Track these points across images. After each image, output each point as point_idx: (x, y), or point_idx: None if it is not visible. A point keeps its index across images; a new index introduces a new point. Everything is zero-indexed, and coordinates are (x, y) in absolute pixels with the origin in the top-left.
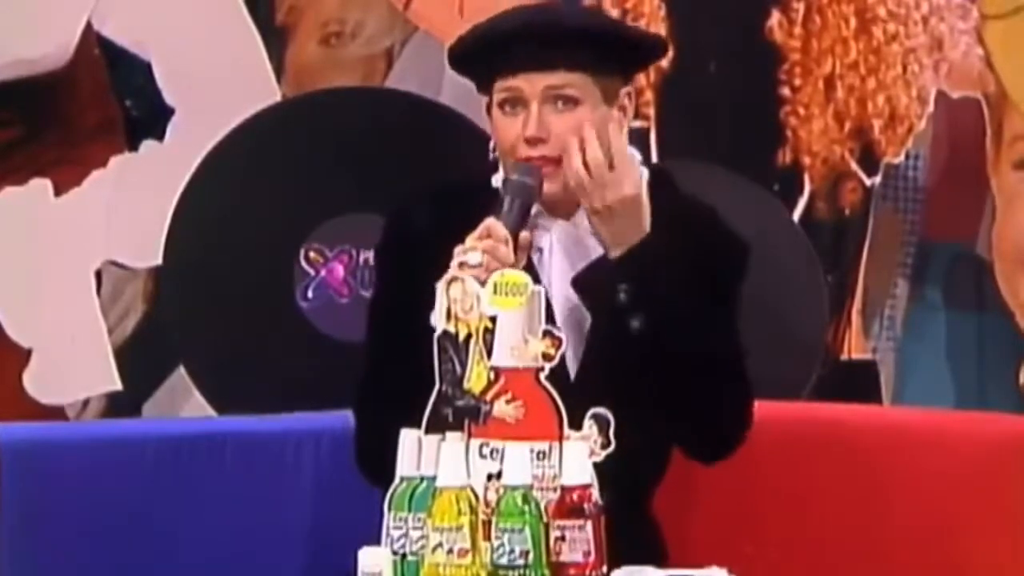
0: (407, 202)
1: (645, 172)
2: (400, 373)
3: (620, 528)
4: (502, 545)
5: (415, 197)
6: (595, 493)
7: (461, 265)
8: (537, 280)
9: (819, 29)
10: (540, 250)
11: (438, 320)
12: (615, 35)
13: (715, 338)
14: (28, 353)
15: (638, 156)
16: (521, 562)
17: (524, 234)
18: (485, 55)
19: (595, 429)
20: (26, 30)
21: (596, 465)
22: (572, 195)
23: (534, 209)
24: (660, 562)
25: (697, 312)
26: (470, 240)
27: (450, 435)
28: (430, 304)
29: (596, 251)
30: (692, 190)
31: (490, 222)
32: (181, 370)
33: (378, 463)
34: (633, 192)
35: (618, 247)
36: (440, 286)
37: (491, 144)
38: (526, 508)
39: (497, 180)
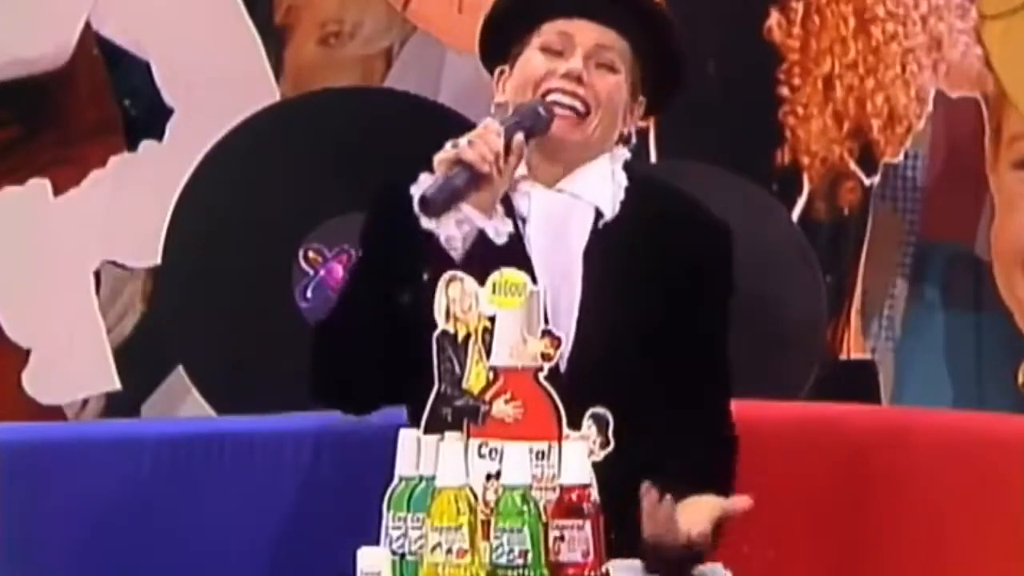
0: (392, 182)
1: (627, 152)
2: (361, 302)
3: (610, 520)
4: (501, 545)
5: (401, 180)
6: (594, 493)
7: (454, 146)
8: (524, 252)
9: (818, 29)
10: (523, 219)
11: (437, 317)
12: (666, 31)
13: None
14: (27, 353)
15: (626, 154)
16: (520, 562)
17: (517, 137)
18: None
19: (594, 429)
20: (25, 30)
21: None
22: (573, 155)
23: (521, 170)
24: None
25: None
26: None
27: (449, 435)
28: (414, 275)
29: (576, 217)
30: (690, 190)
31: (487, 120)
32: (180, 370)
33: (331, 382)
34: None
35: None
36: (440, 288)
37: (496, 98)
38: (525, 508)
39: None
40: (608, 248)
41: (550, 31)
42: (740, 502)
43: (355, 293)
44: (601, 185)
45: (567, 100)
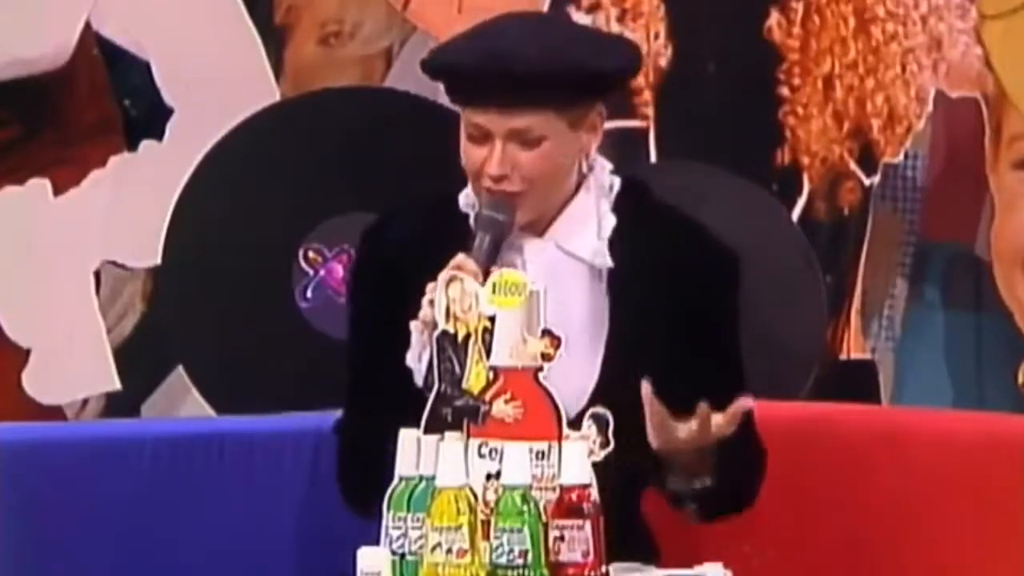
0: (377, 222)
1: (616, 181)
2: (378, 412)
3: (613, 528)
4: (501, 545)
5: (385, 216)
6: (594, 493)
7: (431, 302)
8: None
9: (818, 29)
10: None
11: (437, 318)
12: (580, 72)
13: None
14: (27, 353)
15: (608, 166)
16: (520, 562)
17: (495, 269)
18: (450, 86)
19: (594, 429)
20: (25, 30)
21: (592, 464)
22: (543, 215)
23: None
24: (652, 561)
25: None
26: (442, 276)
27: (449, 435)
28: (406, 327)
29: (572, 275)
30: (690, 190)
31: (460, 259)
32: (180, 370)
33: (359, 496)
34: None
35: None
36: (439, 287)
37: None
38: (525, 508)
39: (464, 200)
40: (620, 292)
41: (466, 120)
42: (744, 402)
43: (363, 406)
44: (591, 234)
45: (509, 199)
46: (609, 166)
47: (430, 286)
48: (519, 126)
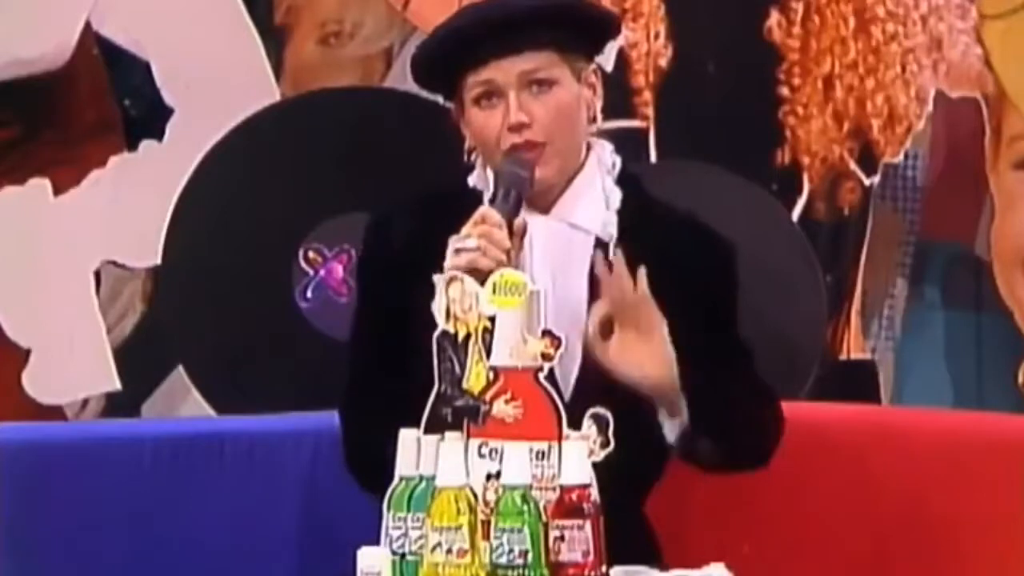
0: (384, 212)
1: (618, 160)
2: (385, 385)
3: (614, 529)
4: (501, 545)
5: (392, 207)
6: (594, 493)
7: (458, 251)
8: None
9: (818, 29)
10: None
11: (437, 318)
12: (574, 10)
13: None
14: (27, 353)
15: (609, 145)
16: (520, 562)
17: (518, 220)
18: (451, 54)
19: (594, 429)
20: (25, 30)
21: (593, 465)
22: (554, 184)
23: None
24: (654, 563)
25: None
26: (465, 228)
27: (449, 435)
28: (414, 313)
29: (579, 250)
30: (690, 190)
31: (484, 209)
32: (180, 370)
33: (367, 471)
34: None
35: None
36: (439, 285)
37: (466, 145)
38: (525, 508)
39: (474, 179)
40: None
41: (474, 84)
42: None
43: (372, 386)
44: (597, 208)
45: (529, 155)
46: (610, 146)
47: (454, 237)
48: (527, 66)
